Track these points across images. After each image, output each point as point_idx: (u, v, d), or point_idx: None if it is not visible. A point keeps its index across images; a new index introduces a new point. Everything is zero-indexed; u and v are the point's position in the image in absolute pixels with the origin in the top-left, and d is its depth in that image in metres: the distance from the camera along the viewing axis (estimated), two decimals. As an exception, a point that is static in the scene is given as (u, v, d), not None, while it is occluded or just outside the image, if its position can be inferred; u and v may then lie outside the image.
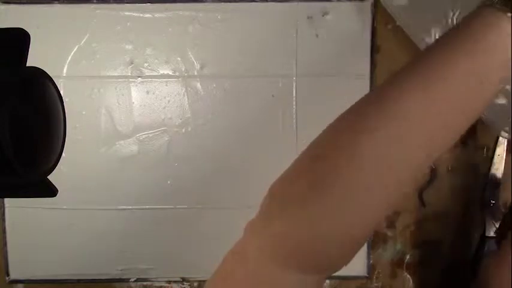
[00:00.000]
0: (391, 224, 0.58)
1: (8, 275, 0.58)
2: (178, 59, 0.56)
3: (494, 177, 0.56)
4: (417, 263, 0.58)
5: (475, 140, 0.57)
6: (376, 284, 0.59)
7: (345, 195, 0.31)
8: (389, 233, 0.58)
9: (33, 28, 0.55)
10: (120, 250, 0.58)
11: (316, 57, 0.56)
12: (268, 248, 0.32)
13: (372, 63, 0.56)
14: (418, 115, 0.30)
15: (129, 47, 0.56)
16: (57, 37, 0.56)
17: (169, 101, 0.57)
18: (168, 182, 0.57)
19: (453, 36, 0.31)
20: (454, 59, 0.30)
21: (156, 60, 0.56)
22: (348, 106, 0.34)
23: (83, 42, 0.56)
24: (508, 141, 0.56)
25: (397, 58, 0.56)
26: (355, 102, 0.33)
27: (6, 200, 0.57)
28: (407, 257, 0.58)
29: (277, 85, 0.56)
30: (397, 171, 0.31)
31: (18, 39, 0.27)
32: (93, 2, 0.56)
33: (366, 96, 0.34)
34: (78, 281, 0.58)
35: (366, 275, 0.58)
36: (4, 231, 0.57)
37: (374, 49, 0.56)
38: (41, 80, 0.28)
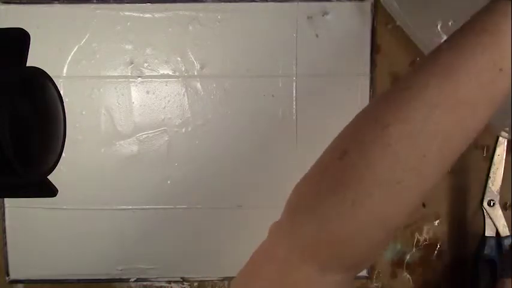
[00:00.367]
0: (391, 224, 0.58)
1: (8, 275, 0.58)
2: (178, 59, 0.56)
3: (494, 177, 0.56)
4: (417, 263, 0.58)
5: (475, 140, 0.57)
6: (376, 284, 0.59)
7: (374, 189, 0.30)
8: (389, 233, 0.58)
9: (33, 28, 0.55)
10: (120, 250, 0.58)
11: (316, 57, 0.56)
12: (298, 248, 0.32)
13: (372, 63, 0.56)
14: (445, 103, 0.30)
15: (129, 47, 0.56)
16: (57, 37, 0.56)
17: (169, 101, 0.57)
18: (168, 182, 0.57)
19: (469, 28, 0.32)
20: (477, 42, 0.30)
21: (156, 60, 0.56)
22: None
23: (83, 42, 0.56)
24: (508, 141, 0.56)
25: (397, 58, 0.56)
26: (374, 99, 0.33)
27: (6, 200, 0.57)
28: (407, 257, 0.58)
29: (277, 85, 0.56)
30: (429, 162, 0.31)
31: (18, 39, 0.28)
32: (93, 2, 0.56)
33: (386, 91, 0.34)
34: (78, 281, 0.58)
35: (365, 275, 0.58)
36: (4, 231, 0.57)
37: (374, 49, 0.56)
38: (41, 80, 0.28)
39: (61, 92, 0.30)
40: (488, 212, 0.56)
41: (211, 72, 0.56)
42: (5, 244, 0.57)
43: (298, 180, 0.35)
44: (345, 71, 0.56)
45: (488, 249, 0.56)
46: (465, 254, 0.58)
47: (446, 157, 0.31)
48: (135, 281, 0.59)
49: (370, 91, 0.56)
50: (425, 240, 0.58)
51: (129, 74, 0.56)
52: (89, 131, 0.57)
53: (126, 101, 0.57)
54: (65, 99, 0.31)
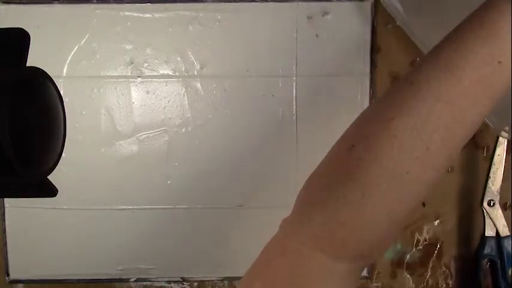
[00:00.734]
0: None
1: (8, 275, 0.58)
2: (178, 59, 0.56)
3: (494, 177, 0.56)
4: (417, 263, 0.58)
5: (475, 140, 0.57)
6: (376, 284, 0.59)
7: (382, 180, 0.31)
8: (389, 233, 0.58)
9: (33, 28, 0.56)
10: (120, 250, 0.58)
11: (316, 57, 0.56)
12: (309, 239, 0.33)
13: (372, 63, 0.56)
14: (447, 97, 0.31)
15: (129, 47, 0.56)
16: (57, 37, 0.56)
17: (169, 101, 0.57)
18: (168, 182, 0.57)
19: (468, 24, 0.32)
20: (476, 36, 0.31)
21: (156, 60, 0.56)
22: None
23: (83, 42, 0.56)
24: (508, 141, 0.56)
25: (397, 58, 0.56)
26: (378, 98, 0.34)
27: (6, 200, 0.57)
28: (407, 257, 0.58)
29: (277, 85, 0.56)
30: (432, 154, 0.31)
31: (18, 39, 0.28)
32: (93, 2, 0.56)
33: (389, 88, 0.35)
34: (78, 281, 0.58)
35: (366, 275, 0.58)
36: (4, 231, 0.57)
37: (374, 49, 0.56)
38: (41, 80, 0.28)
39: (61, 92, 0.30)
40: (488, 212, 0.56)
41: (211, 72, 0.56)
42: (5, 244, 0.57)
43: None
44: (345, 71, 0.56)
45: (488, 249, 0.56)
46: (465, 254, 0.58)
47: (449, 149, 0.32)
48: (135, 281, 0.59)
49: (370, 91, 0.56)
50: (425, 240, 0.58)
51: (129, 74, 0.56)
52: (89, 131, 0.57)
53: (126, 101, 0.57)
54: (65, 99, 0.31)
